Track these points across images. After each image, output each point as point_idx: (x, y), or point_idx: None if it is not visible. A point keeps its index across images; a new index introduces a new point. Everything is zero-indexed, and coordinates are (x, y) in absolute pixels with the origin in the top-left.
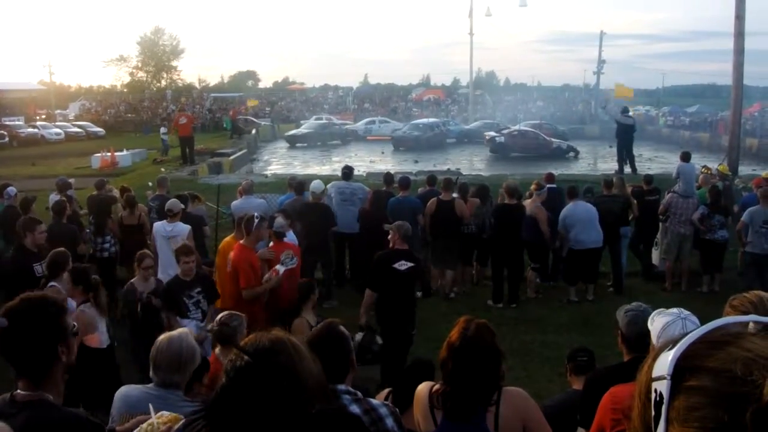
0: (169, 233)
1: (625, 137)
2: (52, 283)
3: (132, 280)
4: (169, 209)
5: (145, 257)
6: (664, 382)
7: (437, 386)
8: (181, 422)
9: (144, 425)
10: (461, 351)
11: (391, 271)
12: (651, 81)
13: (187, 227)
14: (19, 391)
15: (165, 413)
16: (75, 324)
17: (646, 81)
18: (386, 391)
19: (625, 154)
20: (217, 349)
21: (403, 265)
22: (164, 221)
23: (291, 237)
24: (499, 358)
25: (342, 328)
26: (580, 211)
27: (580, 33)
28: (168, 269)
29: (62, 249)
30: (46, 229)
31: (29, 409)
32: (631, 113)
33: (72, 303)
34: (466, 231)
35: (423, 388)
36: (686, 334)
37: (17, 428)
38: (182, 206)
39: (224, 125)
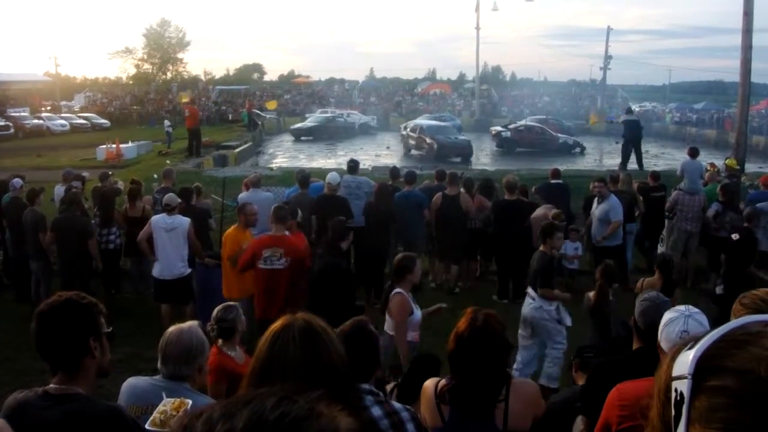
0: (169, 225)
1: (633, 134)
2: (398, 290)
3: None
4: (167, 204)
5: None
6: (685, 381)
7: (444, 381)
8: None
9: (156, 414)
10: (469, 341)
11: None
12: (657, 77)
13: (187, 220)
14: (52, 385)
15: (170, 400)
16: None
17: (653, 77)
18: (392, 385)
19: (633, 150)
20: (219, 341)
21: None
22: (164, 214)
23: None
24: (507, 350)
25: (371, 326)
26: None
27: (587, 28)
28: (171, 260)
29: (410, 254)
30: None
31: (65, 403)
32: (634, 109)
33: (418, 312)
34: (471, 226)
35: (429, 384)
36: (687, 331)
37: (54, 421)
38: (179, 200)
39: (241, 118)
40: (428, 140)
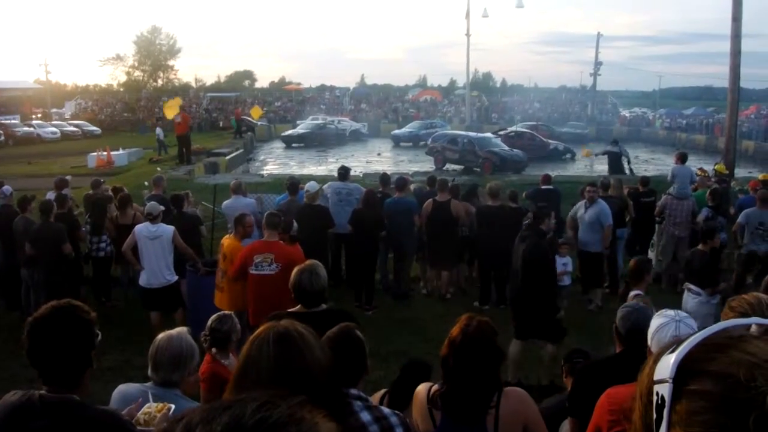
0: (152, 234)
1: (615, 165)
2: (637, 292)
3: None
4: (149, 212)
5: None
6: (666, 385)
7: (436, 387)
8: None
9: (140, 414)
10: (462, 348)
11: None
12: (647, 83)
13: (171, 228)
14: (45, 392)
15: (154, 404)
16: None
17: (643, 83)
18: (382, 391)
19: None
20: (213, 350)
21: None
22: (147, 222)
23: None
24: (500, 357)
25: (358, 332)
26: None
27: (577, 34)
28: (157, 268)
29: (644, 257)
30: None
31: (61, 409)
32: (618, 145)
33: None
34: (461, 233)
35: (422, 388)
36: (678, 336)
37: (50, 428)
38: (162, 208)
39: (231, 124)
40: (482, 153)
